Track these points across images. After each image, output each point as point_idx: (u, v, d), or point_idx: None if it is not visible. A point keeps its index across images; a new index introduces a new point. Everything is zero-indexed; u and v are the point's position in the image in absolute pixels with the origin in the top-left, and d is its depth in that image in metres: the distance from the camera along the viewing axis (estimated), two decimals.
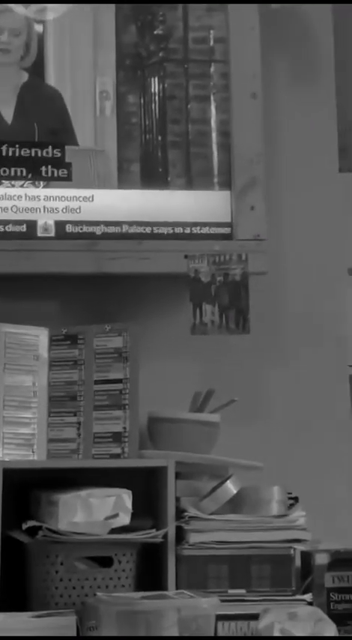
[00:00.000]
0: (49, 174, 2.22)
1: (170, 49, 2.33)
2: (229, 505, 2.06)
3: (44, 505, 2.04)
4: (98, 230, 2.26)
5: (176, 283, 2.29)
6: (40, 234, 2.24)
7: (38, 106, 2.28)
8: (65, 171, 2.22)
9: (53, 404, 2.17)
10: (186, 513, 2.03)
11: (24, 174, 2.23)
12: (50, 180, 2.22)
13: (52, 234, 2.24)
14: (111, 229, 2.27)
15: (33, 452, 2.15)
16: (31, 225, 2.24)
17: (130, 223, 2.28)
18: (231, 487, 2.05)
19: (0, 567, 1.98)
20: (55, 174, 2.22)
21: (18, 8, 2.25)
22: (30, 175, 2.22)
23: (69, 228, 2.25)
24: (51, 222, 2.24)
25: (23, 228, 2.24)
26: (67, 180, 2.23)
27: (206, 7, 2.34)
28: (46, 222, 2.24)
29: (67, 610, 1.92)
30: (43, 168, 2.21)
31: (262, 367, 2.39)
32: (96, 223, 2.26)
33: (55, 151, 2.22)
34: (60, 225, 2.25)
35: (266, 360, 2.39)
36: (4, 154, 2.21)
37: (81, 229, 2.26)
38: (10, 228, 2.23)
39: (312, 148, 2.48)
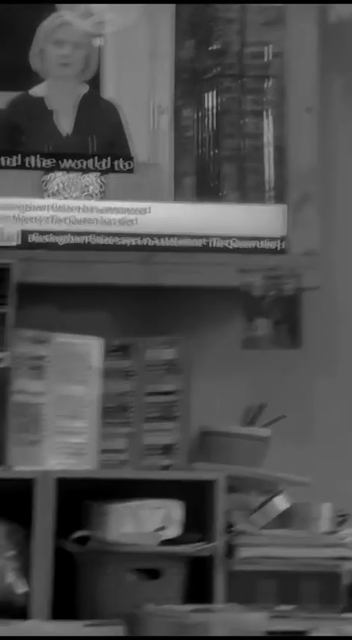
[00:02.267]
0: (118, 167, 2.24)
1: (226, 64, 2.34)
2: (278, 520, 2.06)
3: (94, 515, 2.06)
4: (153, 242, 2.28)
5: (229, 297, 2.29)
6: (95, 244, 2.26)
7: (95, 118, 2.30)
8: (129, 165, 2.24)
9: (105, 414, 2.19)
10: (235, 527, 2.03)
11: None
12: (113, 172, 2.23)
13: (107, 245, 2.26)
14: (166, 242, 2.28)
15: (84, 462, 2.16)
16: (88, 236, 2.26)
17: (185, 236, 2.29)
18: (280, 502, 2.05)
19: (51, 576, 2.00)
20: (120, 166, 2.23)
21: (79, 21, 2.28)
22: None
23: (124, 240, 2.27)
24: (106, 234, 2.26)
25: (80, 239, 2.26)
26: (129, 172, 2.23)
27: (263, 22, 2.35)
28: (101, 233, 2.26)
29: (116, 620, 1.93)
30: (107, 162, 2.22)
31: (314, 382, 2.39)
32: (152, 236, 2.28)
33: (125, 163, 2.24)
34: (115, 236, 2.27)
35: (318, 376, 2.39)
36: (62, 166, 2.24)
37: (136, 241, 2.28)
38: (66, 239, 2.26)
39: None
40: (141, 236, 2.28)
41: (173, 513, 2.02)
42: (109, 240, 2.27)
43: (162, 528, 2.01)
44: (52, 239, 2.25)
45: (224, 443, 2.17)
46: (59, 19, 2.28)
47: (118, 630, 1.84)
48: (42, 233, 2.25)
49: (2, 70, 2.26)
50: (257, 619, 1.84)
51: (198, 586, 2.07)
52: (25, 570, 2.00)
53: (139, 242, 2.28)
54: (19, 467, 2.07)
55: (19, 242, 2.24)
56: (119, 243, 2.27)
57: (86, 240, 2.26)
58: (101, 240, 2.27)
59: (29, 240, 2.24)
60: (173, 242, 2.29)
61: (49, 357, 2.16)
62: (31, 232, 2.24)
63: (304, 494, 2.13)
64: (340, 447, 2.36)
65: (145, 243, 2.28)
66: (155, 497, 2.05)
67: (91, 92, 2.30)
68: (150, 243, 2.28)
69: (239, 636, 1.77)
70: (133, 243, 2.28)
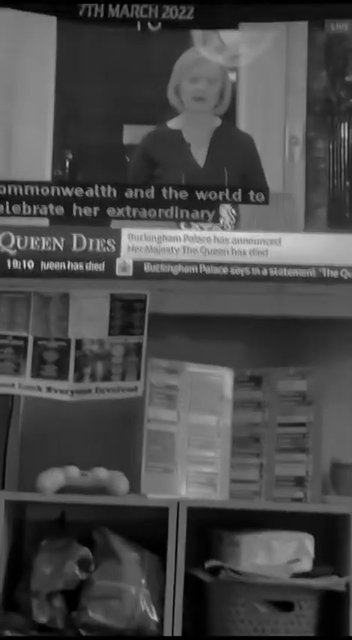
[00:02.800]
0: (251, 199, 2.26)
1: None
2: None
3: (226, 545, 2.06)
4: (284, 273, 2.28)
5: None
6: (227, 275, 2.28)
7: (229, 150, 2.32)
8: (262, 196, 2.25)
9: (236, 444, 2.19)
10: None
11: (211, 216, 2.27)
12: (247, 203, 2.25)
13: (240, 275, 2.28)
14: (298, 272, 2.28)
15: (215, 491, 2.17)
16: (220, 266, 2.28)
17: (316, 267, 2.28)
18: None
19: (183, 604, 2.01)
20: (253, 198, 2.25)
21: (214, 56, 2.31)
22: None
23: (255, 271, 2.28)
24: (238, 264, 2.28)
25: (213, 269, 2.28)
26: (264, 203, 2.25)
27: None
28: (233, 263, 2.28)
29: None
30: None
31: None
32: (283, 266, 2.28)
33: (257, 195, 2.26)
34: (247, 267, 2.28)
35: None
36: (198, 198, 2.26)
37: (268, 272, 2.28)
38: (199, 269, 2.28)
39: None
40: (272, 267, 2.28)
41: (306, 546, 2.01)
42: (241, 271, 2.28)
43: (296, 560, 2.00)
44: (184, 269, 2.28)
45: None
46: (195, 55, 2.32)
47: None
48: (176, 263, 2.28)
49: (140, 104, 2.30)
50: None
51: (331, 620, 2.05)
52: (158, 598, 2.01)
53: (270, 273, 2.28)
54: (152, 495, 2.09)
55: (152, 272, 2.27)
56: (251, 273, 2.28)
57: (219, 271, 2.28)
58: (233, 271, 2.28)
59: (163, 271, 2.27)
60: (304, 273, 2.29)
61: (182, 386, 2.18)
62: (165, 263, 2.27)
63: None
64: None
65: (276, 274, 2.28)
66: (286, 530, 2.04)
67: (225, 124, 2.33)
68: (281, 273, 2.29)
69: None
70: (264, 274, 2.28)
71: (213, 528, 2.14)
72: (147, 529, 2.08)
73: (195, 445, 2.17)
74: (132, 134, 2.30)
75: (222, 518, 2.13)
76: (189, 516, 2.03)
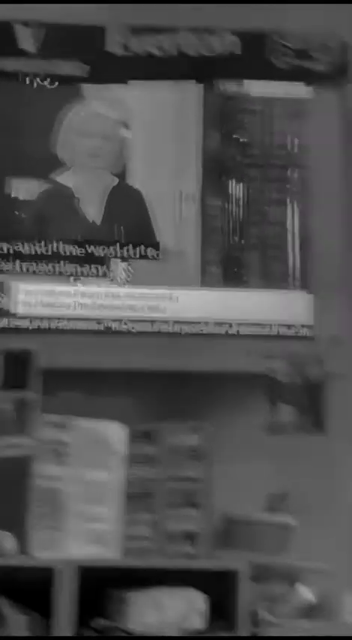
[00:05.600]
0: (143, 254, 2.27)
1: (251, 154, 2.38)
2: (302, 611, 2.02)
3: (116, 603, 2.03)
4: (178, 328, 2.29)
5: (254, 383, 2.29)
6: (120, 332, 2.28)
7: (122, 207, 2.33)
8: (154, 252, 2.27)
9: (129, 500, 2.17)
10: (259, 618, 2.00)
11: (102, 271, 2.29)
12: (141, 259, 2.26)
13: (133, 331, 2.28)
14: (191, 329, 2.30)
15: (107, 548, 2.14)
16: (113, 322, 2.28)
17: (209, 322, 2.30)
18: (304, 592, 2.02)
19: None
20: (147, 254, 2.26)
21: (106, 111, 2.33)
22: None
23: (148, 327, 2.29)
24: (131, 319, 2.28)
25: (106, 324, 2.28)
26: (155, 259, 2.26)
27: (289, 113, 2.39)
28: (126, 319, 2.28)
29: None
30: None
31: (339, 470, 2.37)
32: (176, 322, 2.29)
33: (148, 250, 2.27)
34: (142, 323, 2.28)
35: (343, 463, 2.37)
36: (96, 254, 2.27)
37: (160, 327, 2.29)
38: (91, 325, 2.27)
39: None
40: (165, 322, 2.29)
41: (196, 603, 1.99)
42: (134, 326, 2.29)
43: (187, 619, 1.98)
44: (76, 325, 2.27)
45: (247, 530, 2.15)
46: (87, 109, 2.33)
47: None
48: (66, 319, 2.27)
49: (26, 157, 2.30)
50: None
51: None
52: None
53: (163, 328, 2.29)
54: (41, 554, 2.05)
55: (45, 327, 2.26)
56: (144, 329, 2.29)
57: (111, 326, 2.28)
58: (126, 326, 2.28)
59: (52, 327, 2.26)
60: (197, 329, 2.30)
61: (72, 442, 2.16)
62: (54, 318, 2.26)
63: (328, 584, 2.10)
64: None
65: (170, 330, 2.29)
66: (179, 585, 2.02)
67: (121, 183, 2.34)
68: (175, 329, 2.30)
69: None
70: (158, 330, 2.29)
71: (106, 587, 2.11)
72: (36, 590, 2.03)
73: (85, 501, 2.15)
74: (20, 188, 2.29)
75: (114, 576, 2.10)
76: (80, 575, 2.00)
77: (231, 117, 2.38)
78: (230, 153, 2.37)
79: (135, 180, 2.35)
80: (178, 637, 1.76)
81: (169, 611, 1.98)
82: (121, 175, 2.34)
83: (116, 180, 2.34)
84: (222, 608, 2.08)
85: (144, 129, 2.35)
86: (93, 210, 2.33)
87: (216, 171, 2.36)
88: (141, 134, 2.35)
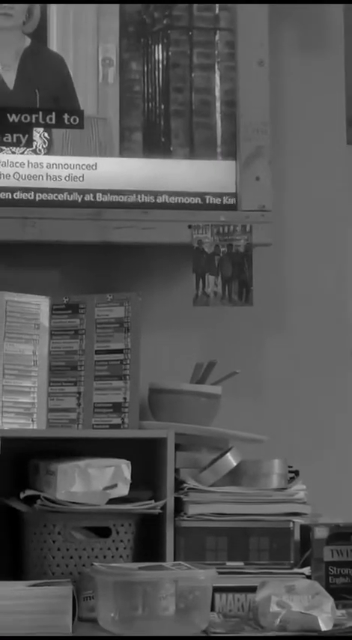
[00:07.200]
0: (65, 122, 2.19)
1: (174, 17, 2.29)
2: (229, 477, 2.05)
3: (42, 474, 2.04)
4: (102, 198, 2.24)
5: (179, 254, 2.27)
6: (42, 201, 2.22)
7: (40, 71, 2.25)
8: (77, 119, 2.19)
9: (53, 373, 2.16)
10: (185, 485, 2.02)
11: (24, 140, 2.20)
12: (62, 128, 2.19)
13: (55, 201, 2.22)
14: (115, 198, 2.25)
15: (32, 421, 2.14)
16: (34, 192, 2.22)
17: (134, 192, 2.25)
18: (231, 459, 2.04)
19: None
20: (68, 122, 2.18)
21: None
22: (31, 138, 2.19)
23: (72, 196, 2.23)
24: (54, 190, 2.22)
25: (27, 195, 2.22)
26: (78, 127, 2.18)
27: None
28: (48, 189, 2.22)
29: (64, 580, 1.92)
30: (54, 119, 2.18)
31: (264, 339, 2.37)
32: (100, 192, 2.24)
33: (72, 118, 2.19)
34: (63, 192, 2.23)
35: (269, 333, 2.38)
36: (10, 120, 2.18)
37: (84, 197, 2.24)
38: (13, 195, 2.21)
39: (320, 119, 2.44)
40: (89, 192, 2.24)
41: (123, 471, 2.00)
42: (57, 197, 2.23)
43: (113, 486, 1.99)
44: None
45: (174, 401, 2.15)
46: None
47: (67, 589, 1.82)
48: None
49: None
50: (206, 575, 1.83)
51: (148, 544, 2.06)
52: None
53: (87, 198, 2.24)
54: None
55: None
56: (66, 199, 2.23)
57: (33, 197, 2.22)
58: (48, 197, 2.23)
59: None
60: (122, 198, 2.25)
61: None
62: None
63: (255, 451, 2.12)
64: (290, 404, 2.35)
65: (93, 200, 2.24)
66: (105, 456, 2.03)
67: (35, 44, 2.25)
68: (98, 199, 2.25)
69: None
70: (80, 200, 2.24)
71: (31, 459, 2.11)
72: None
73: (10, 375, 2.13)
74: None
75: (40, 449, 2.10)
76: (5, 448, 1.99)
77: None
78: (151, 15, 2.29)
79: (54, 45, 2.25)
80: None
81: (95, 480, 1.99)
82: (38, 38, 2.25)
83: (29, 41, 2.24)
84: (149, 477, 2.10)
85: None
86: (8, 74, 2.23)
87: (136, 35, 2.28)
88: None
